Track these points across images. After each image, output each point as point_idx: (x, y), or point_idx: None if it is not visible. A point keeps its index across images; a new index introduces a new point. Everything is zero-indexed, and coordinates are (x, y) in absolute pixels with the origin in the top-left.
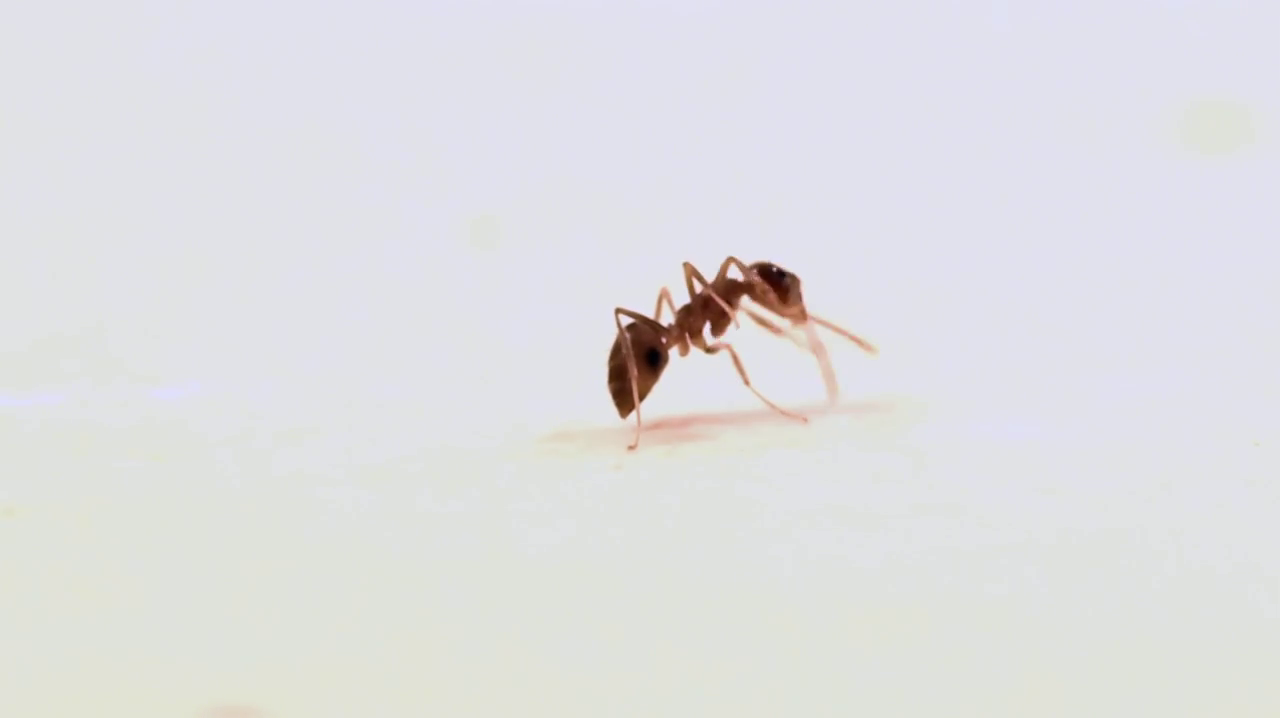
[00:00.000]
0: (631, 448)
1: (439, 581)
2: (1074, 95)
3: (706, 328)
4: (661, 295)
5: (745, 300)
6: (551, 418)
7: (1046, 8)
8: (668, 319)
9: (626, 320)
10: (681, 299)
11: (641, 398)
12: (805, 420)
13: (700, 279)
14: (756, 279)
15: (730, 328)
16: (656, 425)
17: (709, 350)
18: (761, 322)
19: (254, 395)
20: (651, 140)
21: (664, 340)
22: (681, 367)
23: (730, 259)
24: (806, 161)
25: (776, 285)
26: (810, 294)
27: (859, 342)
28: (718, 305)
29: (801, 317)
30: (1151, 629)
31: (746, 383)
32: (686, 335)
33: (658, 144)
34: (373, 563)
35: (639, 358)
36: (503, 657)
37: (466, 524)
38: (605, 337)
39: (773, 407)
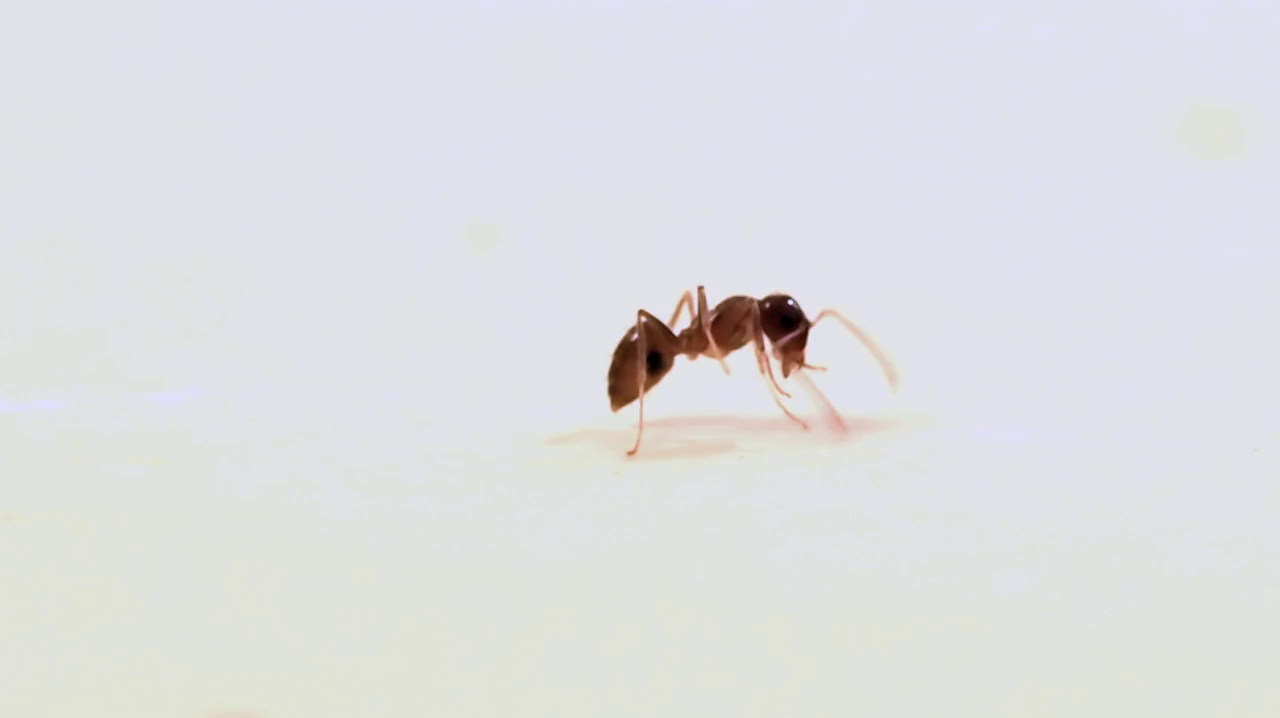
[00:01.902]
0: (631, 453)
1: (438, 585)
2: (1072, 100)
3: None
4: (684, 299)
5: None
6: (551, 423)
7: (1045, 12)
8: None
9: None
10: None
11: (637, 397)
12: (806, 427)
13: (700, 308)
14: (762, 329)
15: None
16: (656, 430)
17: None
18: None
19: (253, 401)
20: (653, 145)
21: (671, 345)
22: (681, 371)
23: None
24: (806, 167)
25: (785, 334)
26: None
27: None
28: (728, 327)
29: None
30: (1151, 634)
31: (776, 388)
32: (696, 345)
33: (659, 148)
34: (372, 568)
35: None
36: (501, 661)
37: (466, 529)
38: (606, 341)
39: (783, 408)
